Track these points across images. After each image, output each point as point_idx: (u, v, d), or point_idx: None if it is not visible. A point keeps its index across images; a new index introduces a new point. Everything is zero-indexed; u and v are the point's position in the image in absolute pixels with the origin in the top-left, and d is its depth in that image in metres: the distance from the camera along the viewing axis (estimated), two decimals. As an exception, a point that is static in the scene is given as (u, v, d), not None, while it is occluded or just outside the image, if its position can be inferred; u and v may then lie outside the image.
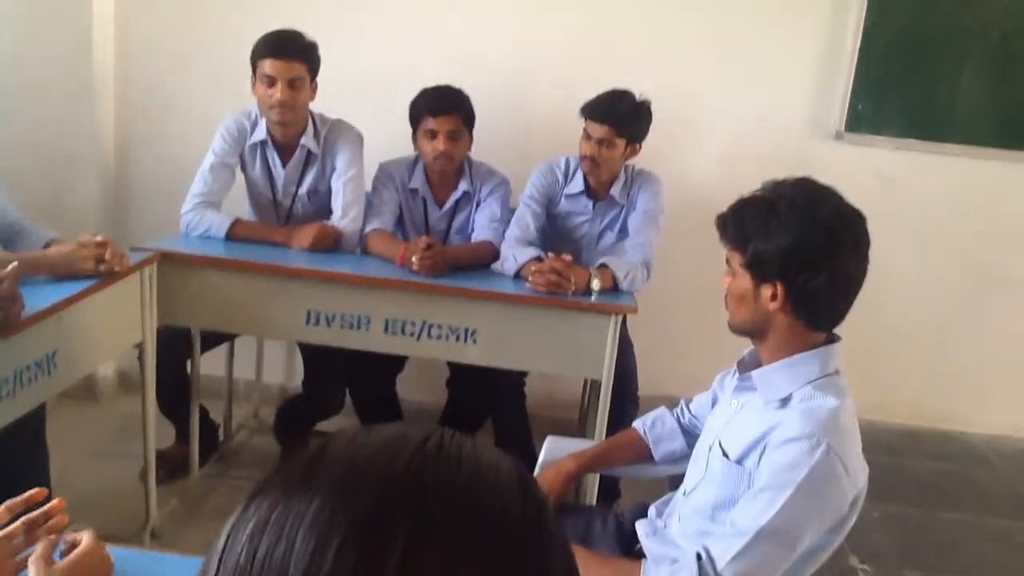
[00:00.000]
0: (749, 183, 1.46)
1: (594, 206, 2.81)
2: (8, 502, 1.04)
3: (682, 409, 1.84)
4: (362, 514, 0.43)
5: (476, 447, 0.50)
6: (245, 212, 2.86)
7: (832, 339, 1.46)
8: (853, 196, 1.41)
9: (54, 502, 1.07)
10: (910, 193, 3.37)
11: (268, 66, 2.56)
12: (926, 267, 3.46)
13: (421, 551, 0.42)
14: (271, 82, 2.57)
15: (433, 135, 2.70)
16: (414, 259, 2.46)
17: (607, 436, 2.28)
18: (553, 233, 2.86)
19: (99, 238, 2.14)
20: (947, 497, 3.20)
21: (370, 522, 0.43)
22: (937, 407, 3.61)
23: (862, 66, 3.21)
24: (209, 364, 2.85)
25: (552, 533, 0.49)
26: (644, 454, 1.84)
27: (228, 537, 0.46)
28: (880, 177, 3.33)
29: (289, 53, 2.57)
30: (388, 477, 0.46)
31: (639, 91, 2.66)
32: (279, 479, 0.47)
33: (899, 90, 3.29)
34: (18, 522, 1.04)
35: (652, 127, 2.72)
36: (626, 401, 2.68)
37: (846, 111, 3.26)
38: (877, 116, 3.29)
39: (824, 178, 1.43)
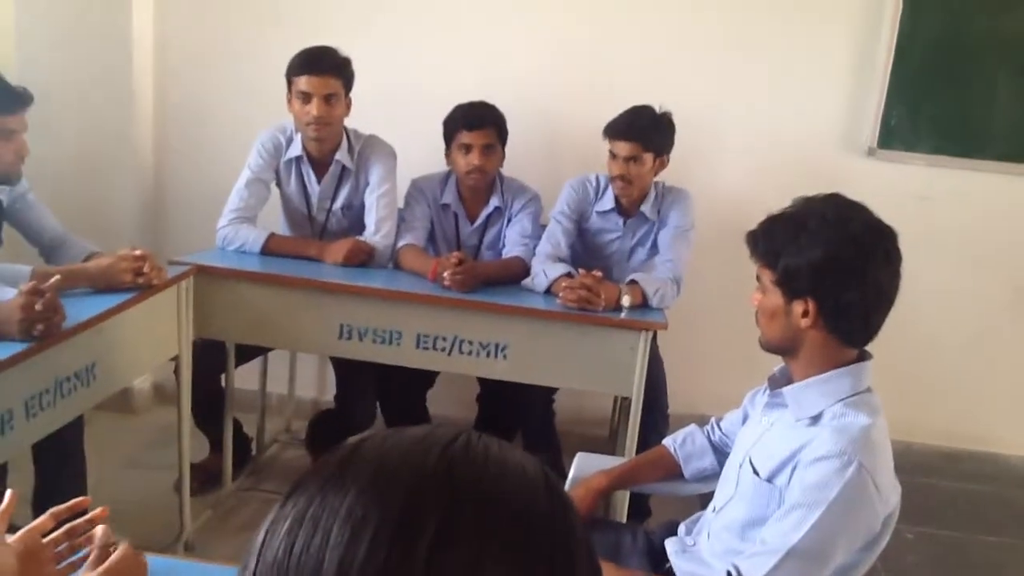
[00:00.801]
0: (779, 200, 1.46)
1: (625, 223, 2.81)
2: (53, 509, 1.07)
3: (712, 427, 1.84)
4: (394, 508, 0.46)
5: (502, 447, 0.52)
6: (280, 226, 2.90)
7: (864, 356, 1.45)
8: (886, 213, 1.40)
9: (97, 511, 1.09)
10: (945, 210, 3.32)
11: (303, 83, 2.59)
12: (961, 286, 3.40)
13: (449, 544, 0.44)
14: (307, 98, 2.61)
15: (468, 149, 2.72)
16: (446, 274, 2.47)
17: (637, 453, 2.28)
18: (584, 249, 2.87)
19: (138, 251, 2.17)
20: (984, 519, 3.13)
21: (401, 516, 0.45)
22: (973, 428, 3.54)
23: (895, 80, 3.16)
24: (243, 378, 2.88)
25: (577, 533, 0.50)
26: (674, 471, 1.84)
27: (267, 533, 0.48)
28: (913, 195, 3.29)
29: (324, 69, 2.60)
30: (419, 473, 0.48)
31: (660, 104, 2.67)
32: (314, 477, 0.49)
33: (934, 104, 3.24)
34: (61, 529, 1.06)
35: (681, 143, 2.72)
36: (656, 418, 2.67)
37: (879, 126, 3.22)
38: (911, 131, 3.24)
39: (856, 195, 1.43)
